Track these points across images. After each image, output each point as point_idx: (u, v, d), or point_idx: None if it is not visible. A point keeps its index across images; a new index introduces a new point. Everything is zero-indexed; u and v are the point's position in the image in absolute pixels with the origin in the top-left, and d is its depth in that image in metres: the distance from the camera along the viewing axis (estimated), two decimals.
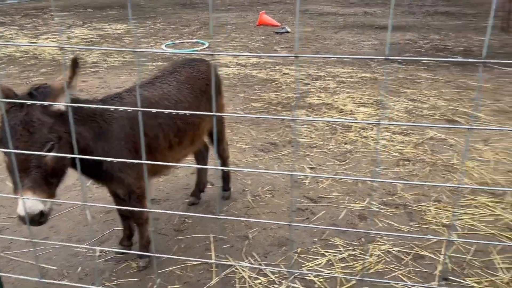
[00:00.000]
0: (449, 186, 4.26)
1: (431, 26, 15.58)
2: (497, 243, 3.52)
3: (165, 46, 11.30)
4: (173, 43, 11.75)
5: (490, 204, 4.04)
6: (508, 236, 3.58)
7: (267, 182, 4.44)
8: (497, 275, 3.13)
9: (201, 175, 4.12)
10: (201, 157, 4.17)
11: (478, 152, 5.16)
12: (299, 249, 3.40)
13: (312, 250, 3.40)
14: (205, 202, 4.18)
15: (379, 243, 3.49)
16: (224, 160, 4.09)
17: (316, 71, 9.13)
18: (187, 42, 12.14)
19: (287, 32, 14.05)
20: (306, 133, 5.77)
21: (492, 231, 3.63)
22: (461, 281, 3.07)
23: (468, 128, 1.33)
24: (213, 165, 4.41)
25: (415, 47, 11.78)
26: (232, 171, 4.45)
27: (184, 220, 3.90)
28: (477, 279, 3.09)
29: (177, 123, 3.14)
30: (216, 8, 20.00)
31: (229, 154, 4.20)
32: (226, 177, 4.14)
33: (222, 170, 4.07)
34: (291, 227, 3.56)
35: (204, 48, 11.30)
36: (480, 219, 3.82)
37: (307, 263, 3.24)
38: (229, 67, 9.47)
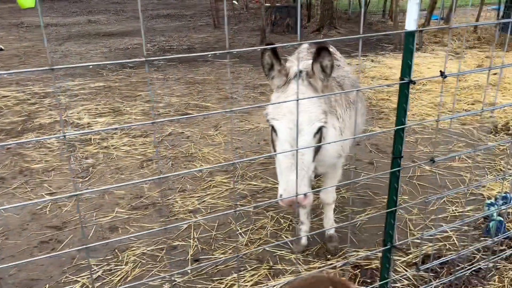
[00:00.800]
0: (190, 172, 4.59)
1: (156, 29, 16.33)
2: (232, 211, 3.98)
3: None
4: None
5: (225, 180, 4.56)
6: (241, 204, 4.12)
7: None
8: (237, 240, 3.56)
9: None
10: None
11: (211, 138, 5.74)
12: (47, 285, 3.08)
13: (62, 281, 3.12)
14: None
15: (133, 248, 3.48)
16: None
17: (42, 88, 8.35)
18: None
19: (1, 49, 12.35)
20: (40, 157, 5.23)
21: (229, 203, 4.11)
22: (210, 256, 3.37)
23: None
24: None
25: (146, 51, 12.13)
26: None
27: None
28: (223, 249, 3.45)
29: None
30: None
31: None
32: None
33: None
34: (32, 263, 3.18)
35: None
36: (220, 196, 4.27)
37: None
38: None
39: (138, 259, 3.36)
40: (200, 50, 11.82)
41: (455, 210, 3.87)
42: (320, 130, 2.30)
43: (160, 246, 3.51)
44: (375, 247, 3.43)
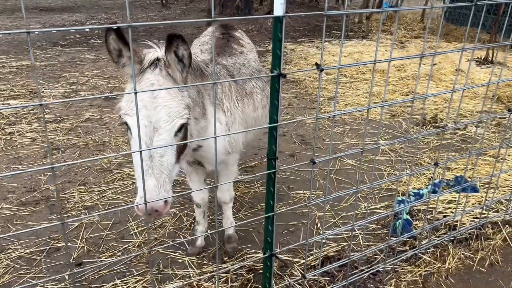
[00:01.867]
0: (83, 162, 4.21)
1: (101, 6, 15.48)
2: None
3: None
4: None
5: (133, 173, 4.22)
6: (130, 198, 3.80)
7: None
8: (130, 241, 3.26)
9: None
10: None
11: None
12: None
13: None
14: None
15: (9, 250, 3.11)
16: None
17: None
18: None
19: None
20: None
21: (131, 199, 3.79)
22: (96, 260, 3.05)
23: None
24: None
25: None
26: None
27: None
28: (112, 251, 3.14)
29: None
30: None
31: None
32: None
33: None
34: None
35: None
36: (123, 190, 3.93)
37: None
38: None
39: (11, 263, 2.99)
40: (141, 31, 11.22)
41: (368, 207, 3.72)
42: (183, 127, 2.01)
43: (41, 248, 3.16)
44: (279, 247, 3.23)
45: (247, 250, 3.19)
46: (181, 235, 3.35)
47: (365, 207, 3.73)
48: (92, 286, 2.82)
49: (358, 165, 4.45)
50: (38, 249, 3.15)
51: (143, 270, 2.97)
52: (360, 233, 3.38)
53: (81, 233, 3.34)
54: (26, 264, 3.00)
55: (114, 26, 1.73)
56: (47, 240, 3.23)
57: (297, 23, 12.66)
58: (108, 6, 15.31)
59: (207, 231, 3.20)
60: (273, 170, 2.06)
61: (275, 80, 1.91)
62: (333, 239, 3.30)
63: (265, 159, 4.51)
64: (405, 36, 11.18)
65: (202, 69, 2.32)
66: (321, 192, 3.95)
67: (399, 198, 3.63)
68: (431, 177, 4.13)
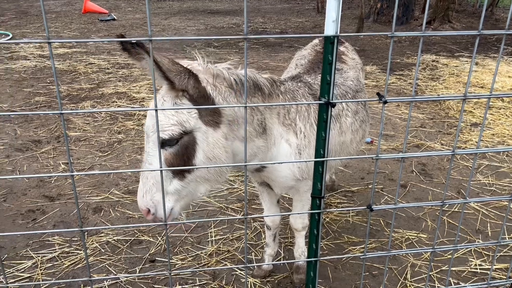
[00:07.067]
0: None
1: (260, 10, 16.26)
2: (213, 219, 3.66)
3: None
4: None
5: (231, 178, 4.24)
6: (233, 207, 3.78)
7: (5, 185, 4.06)
8: (205, 248, 3.26)
9: None
10: None
11: None
12: (6, 256, 3.15)
13: (21, 254, 3.17)
14: None
15: (101, 234, 3.40)
16: None
17: (125, 59, 8.79)
18: None
19: (113, 19, 13.40)
20: (82, 125, 5.48)
21: (221, 205, 3.81)
22: (167, 259, 3.13)
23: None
24: None
25: (237, 31, 12.14)
26: None
27: None
28: (184, 255, 3.18)
29: None
30: None
31: None
32: None
33: None
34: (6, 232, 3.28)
35: (8, 39, 10.16)
36: (216, 194, 3.98)
37: (8, 270, 3.00)
38: (28, 59, 8.63)
39: (99, 246, 3.27)
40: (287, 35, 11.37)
41: (479, 265, 3.04)
42: (175, 141, 1.88)
43: (127, 238, 3.37)
44: None
45: (317, 286, 2.89)
46: (253, 253, 3.23)
47: (476, 265, 3.06)
48: (155, 286, 2.89)
49: (484, 211, 3.69)
50: (124, 238, 3.38)
51: (206, 282, 2.94)
52: None
53: (164, 230, 3.48)
54: (110, 250, 3.24)
55: (133, 40, 1.67)
56: (134, 231, 3.45)
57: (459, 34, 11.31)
58: (267, 11, 15.98)
59: (275, 255, 3.01)
60: (317, 211, 1.78)
61: (323, 108, 1.63)
62: None
63: (370, 185, 4.09)
64: None
65: (262, 86, 2.14)
66: (425, 236, 3.38)
67: None
68: None
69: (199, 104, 1.92)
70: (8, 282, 2.87)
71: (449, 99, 6.63)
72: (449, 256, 3.17)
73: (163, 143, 1.88)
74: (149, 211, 1.93)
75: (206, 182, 2.04)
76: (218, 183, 2.15)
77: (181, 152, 1.89)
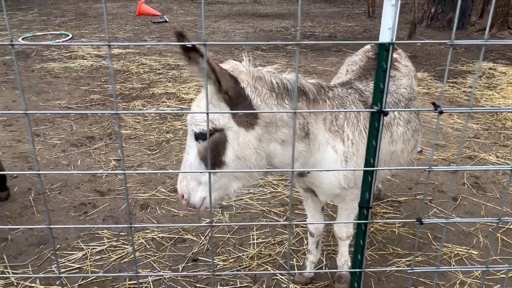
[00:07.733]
0: None
1: (310, 14, 16.17)
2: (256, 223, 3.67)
3: (22, 39, 10.53)
4: (33, 35, 11.01)
5: (275, 182, 4.24)
6: (276, 211, 3.77)
7: (61, 179, 4.27)
8: (246, 251, 3.27)
9: None
10: None
11: None
12: (59, 246, 3.31)
13: (73, 245, 3.32)
14: None
15: (147, 231, 3.50)
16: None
17: (176, 61, 9.03)
18: (50, 34, 11.43)
19: (165, 21, 13.79)
20: (132, 124, 5.67)
21: (264, 208, 3.81)
22: (209, 260, 3.17)
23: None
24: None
25: (285, 34, 12.15)
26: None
27: None
28: (226, 256, 3.21)
29: None
30: None
31: None
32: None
33: None
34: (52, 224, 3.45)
35: (68, 39, 10.71)
36: (260, 197, 3.99)
37: (60, 260, 3.16)
38: (85, 59, 9.05)
39: (144, 242, 3.36)
40: (340, 39, 11.25)
41: None
42: (212, 136, 1.93)
43: (171, 236, 3.45)
44: None
45: None
46: (294, 258, 3.20)
47: None
48: (198, 285, 2.94)
49: None
50: (169, 235, 3.45)
51: (246, 284, 2.95)
52: None
53: (207, 230, 3.52)
54: (155, 247, 3.33)
55: (189, 44, 1.70)
56: (179, 229, 3.52)
57: None
58: (316, 15, 15.87)
59: (317, 262, 2.97)
60: (365, 221, 1.74)
61: (375, 117, 1.59)
62: None
63: (418, 196, 3.96)
64: None
65: (307, 91, 2.13)
66: (476, 252, 3.22)
67: None
68: None
69: (236, 104, 1.95)
70: (60, 272, 3.01)
71: (509, 111, 6.32)
72: (502, 276, 3.00)
73: (197, 136, 1.98)
74: (183, 196, 2.04)
75: (236, 180, 2.08)
76: (249, 182, 2.17)
77: (212, 147, 1.95)
